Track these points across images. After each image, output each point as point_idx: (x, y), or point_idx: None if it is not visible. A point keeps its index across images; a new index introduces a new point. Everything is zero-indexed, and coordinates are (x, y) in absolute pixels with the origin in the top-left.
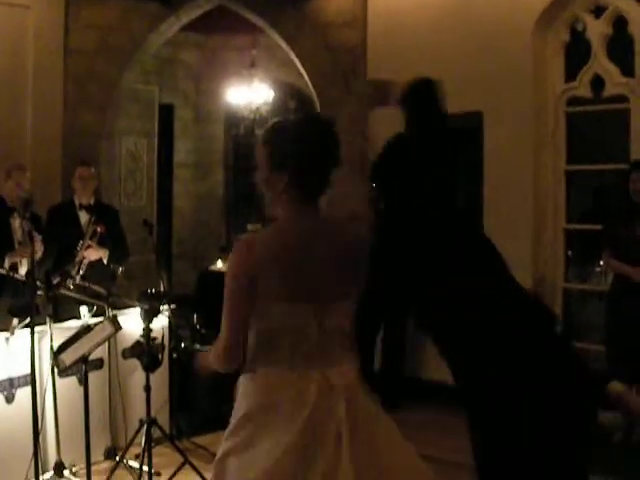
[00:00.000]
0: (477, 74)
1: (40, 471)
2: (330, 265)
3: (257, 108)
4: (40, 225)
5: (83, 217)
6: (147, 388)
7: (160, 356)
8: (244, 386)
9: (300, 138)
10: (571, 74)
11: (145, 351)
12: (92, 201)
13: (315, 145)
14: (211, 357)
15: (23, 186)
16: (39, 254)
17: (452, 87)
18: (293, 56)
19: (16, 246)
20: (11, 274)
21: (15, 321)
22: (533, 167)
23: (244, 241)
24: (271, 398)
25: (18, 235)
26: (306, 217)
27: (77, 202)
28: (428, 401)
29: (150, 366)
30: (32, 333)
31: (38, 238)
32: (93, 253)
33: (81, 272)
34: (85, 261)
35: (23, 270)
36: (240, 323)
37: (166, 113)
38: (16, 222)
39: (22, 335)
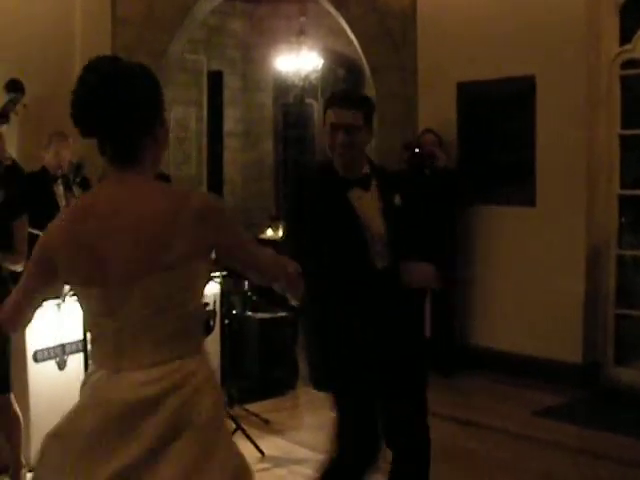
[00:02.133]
0: (529, 37)
1: None
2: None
3: (306, 76)
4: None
5: None
6: None
7: (212, 322)
8: None
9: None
10: (626, 36)
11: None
12: None
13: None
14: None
15: (63, 155)
16: None
17: (504, 51)
18: (342, 22)
19: None
20: None
21: (66, 288)
22: (586, 131)
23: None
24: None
25: (62, 202)
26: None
27: None
28: (480, 368)
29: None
30: None
31: None
32: None
33: None
34: None
35: None
36: None
37: (215, 80)
38: (60, 189)
39: (74, 302)
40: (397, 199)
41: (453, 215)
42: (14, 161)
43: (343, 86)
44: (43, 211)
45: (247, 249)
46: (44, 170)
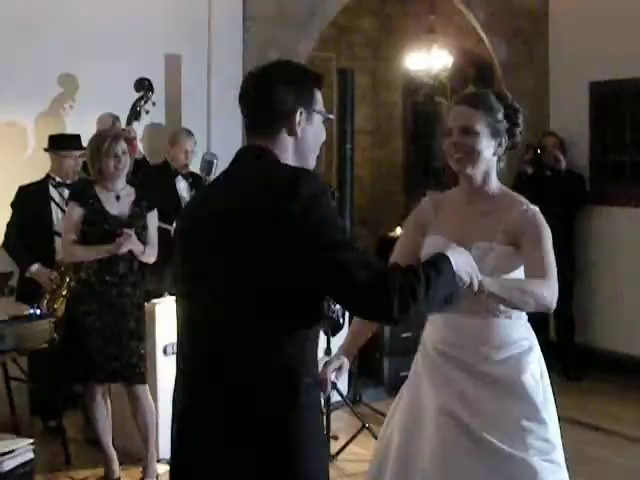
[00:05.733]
0: None
1: None
2: None
3: (436, 74)
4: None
5: None
6: (327, 351)
7: (341, 320)
8: None
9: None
10: None
11: (326, 315)
12: None
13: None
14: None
15: (189, 153)
16: None
17: (638, 49)
18: (473, 20)
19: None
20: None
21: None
22: None
23: None
24: None
25: (187, 197)
26: None
27: None
28: (614, 372)
29: (331, 330)
30: None
31: None
32: None
33: None
34: None
35: None
36: None
37: (345, 78)
38: (182, 184)
39: None
40: None
41: (573, 217)
42: (144, 156)
43: (473, 85)
44: (166, 204)
45: None
46: (166, 164)
